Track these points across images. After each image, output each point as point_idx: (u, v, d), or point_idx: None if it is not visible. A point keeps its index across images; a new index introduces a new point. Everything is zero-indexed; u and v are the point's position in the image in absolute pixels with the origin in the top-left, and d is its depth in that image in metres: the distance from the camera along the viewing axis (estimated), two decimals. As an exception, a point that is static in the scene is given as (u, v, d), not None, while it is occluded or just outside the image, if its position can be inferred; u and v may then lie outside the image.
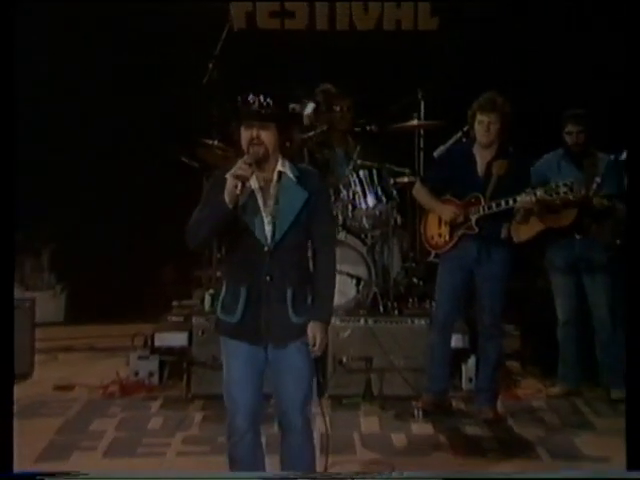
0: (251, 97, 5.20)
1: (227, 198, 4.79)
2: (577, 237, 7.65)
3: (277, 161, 4.97)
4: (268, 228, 4.92)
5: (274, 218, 4.93)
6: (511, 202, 7.04)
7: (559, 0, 10.05)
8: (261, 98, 5.11)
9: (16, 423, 7.02)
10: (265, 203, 4.94)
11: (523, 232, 7.60)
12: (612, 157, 7.60)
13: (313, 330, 4.98)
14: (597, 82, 9.61)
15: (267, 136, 4.89)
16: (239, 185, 4.78)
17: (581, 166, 7.59)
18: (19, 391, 7.61)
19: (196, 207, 5.01)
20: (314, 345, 4.99)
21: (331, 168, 8.38)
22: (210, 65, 8.47)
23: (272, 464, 5.19)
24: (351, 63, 9.92)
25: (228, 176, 4.79)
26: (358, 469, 6.27)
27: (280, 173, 4.97)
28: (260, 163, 4.88)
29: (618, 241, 7.20)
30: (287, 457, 5.11)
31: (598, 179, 7.37)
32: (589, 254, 7.69)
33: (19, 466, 6.12)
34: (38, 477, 4.81)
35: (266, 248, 4.92)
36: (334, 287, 5.21)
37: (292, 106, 8.36)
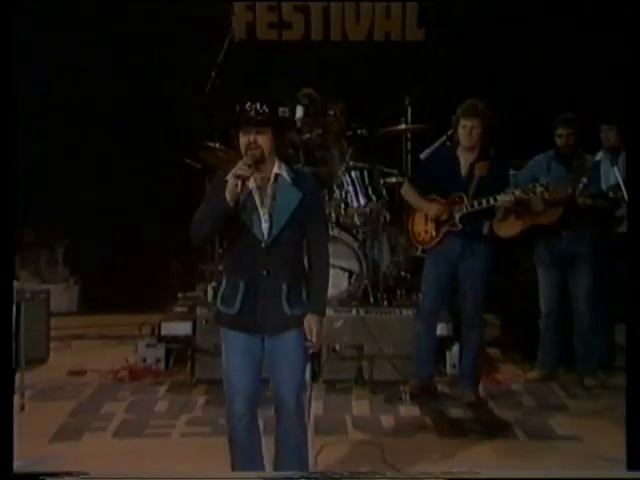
0: (248, 104, 5.23)
1: (228, 196, 4.79)
2: (563, 234, 7.63)
3: (274, 163, 4.98)
4: (265, 226, 4.93)
5: (271, 216, 4.94)
6: (492, 201, 7.05)
7: (541, 9, 10.00)
8: (257, 105, 5.14)
9: (32, 405, 7.18)
10: (262, 202, 4.95)
11: (511, 229, 7.64)
12: (599, 159, 7.58)
13: (309, 323, 4.99)
14: (582, 87, 9.60)
15: (263, 140, 4.90)
16: (239, 184, 4.79)
17: (570, 167, 7.57)
18: (36, 376, 7.74)
19: (199, 205, 5.01)
20: (311, 337, 4.97)
21: (328, 170, 8.36)
22: (213, 73, 8.47)
23: (268, 445, 5.17)
24: (344, 71, 9.95)
25: (229, 176, 4.80)
26: (349, 450, 6.26)
27: (277, 175, 4.97)
28: (258, 165, 4.88)
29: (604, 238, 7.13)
30: (281, 438, 5.11)
31: (585, 179, 7.33)
32: (573, 250, 7.67)
33: (35, 446, 6.29)
34: (39, 477, 4.64)
35: (263, 244, 4.92)
36: (328, 282, 5.22)
37: (281, 109, 8.40)
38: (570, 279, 7.73)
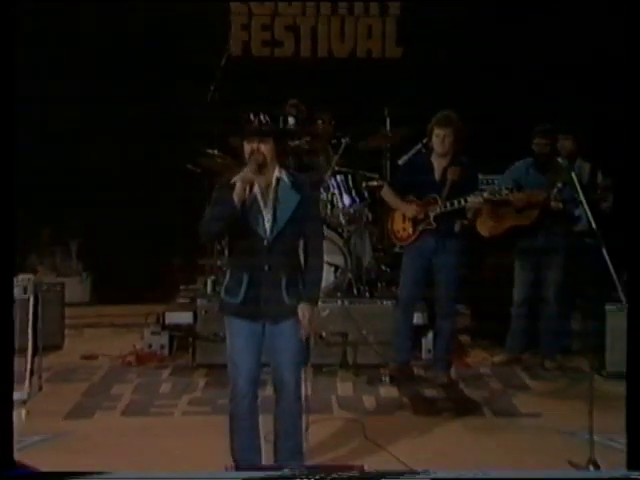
0: (252, 116, 5.30)
1: (236, 198, 4.83)
2: (541, 233, 7.62)
3: (274, 169, 5.01)
4: (267, 226, 4.96)
5: (273, 216, 4.97)
6: (463, 202, 7.07)
7: (512, 25, 10.04)
8: (260, 117, 5.21)
9: (49, 386, 7.21)
10: (265, 204, 4.98)
11: (494, 229, 7.71)
12: (588, 167, 7.57)
13: (303, 310, 5.02)
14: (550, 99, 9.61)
15: (266, 148, 4.94)
16: (247, 188, 4.85)
17: (546, 173, 7.55)
18: (52, 360, 7.76)
19: (199, 206, 5.10)
20: (304, 323, 5.01)
21: (317, 172, 8.37)
22: (212, 86, 8.47)
23: (265, 422, 5.21)
24: (330, 85, 9.93)
25: (237, 180, 4.83)
26: (334, 427, 6.29)
27: (278, 179, 5.01)
28: (260, 170, 4.92)
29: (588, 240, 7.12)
30: (281, 414, 5.13)
31: (560, 185, 7.31)
32: (547, 248, 7.66)
33: (51, 422, 6.37)
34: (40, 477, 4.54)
35: (265, 242, 4.96)
36: (321, 274, 5.28)
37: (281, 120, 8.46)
38: (543, 275, 7.72)
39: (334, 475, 4.17)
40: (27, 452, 5.53)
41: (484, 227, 7.77)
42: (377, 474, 4.25)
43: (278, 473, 4.18)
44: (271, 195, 5.00)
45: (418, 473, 4.41)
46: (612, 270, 6.56)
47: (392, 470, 4.34)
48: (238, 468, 4.42)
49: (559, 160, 7.51)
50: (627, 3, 9.09)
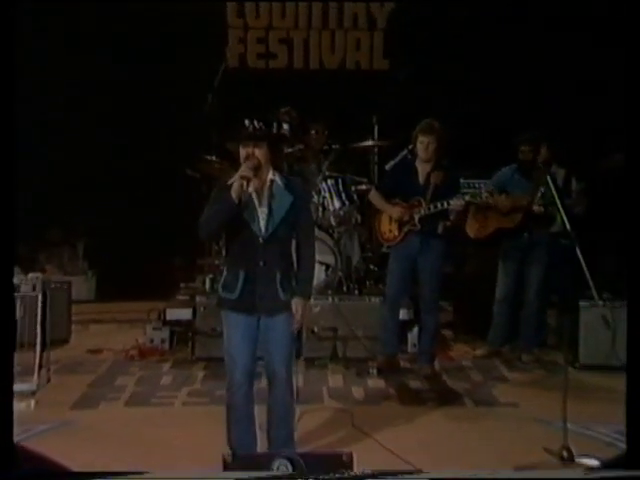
0: (247, 123, 5.30)
1: (234, 195, 4.85)
2: (525, 235, 7.61)
3: (269, 171, 5.04)
4: (262, 224, 4.99)
5: (267, 216, 4.99)
6: (446, 204, 7.09)
7: (489, 38, 10.05)
8: (255, 123, 5.22)
9: (57, 378, 7.19)
10: (260, 204, 5.00)
11: (481, 231, 7.73)
12: (562, 173, 7.58)
13: (296, 305, 5.06)
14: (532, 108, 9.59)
15: (260, 152, 4.97)
16: (244, 184, 4.87)
17: (530, 178, 7.53)
18: (59, 353, 7.73)
19: (199, 209, 5.07)
20: (296, 317, 5.04)
21: (306, 178, 8.38)
22: (209, 96, 8.45)
23: (260, 411, 5.22)
24: (321, 94, 9.91)
25: (235, 178, 4.86)
26: (325, 416, 6.29)
27: (272, 181, 5.04)
28: (256, 172, 4.94)
29: (563, 241, 7.12)
30: (274, 403, 5.16)
31: (542, 189, 7.29)
32: (530, 249, 7.66)
33: (58, 412, 6.37)
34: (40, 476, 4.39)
35: (261, 239, 4.99)
36: (314, 271, 5.33)
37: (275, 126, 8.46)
38: (525, 273, 7.72)
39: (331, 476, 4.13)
40: (36, 440, 5.54)
41: (471, 229, 7.79)
42: (371, 474, 4.19)
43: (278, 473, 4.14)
44: (266, 195, 5.03)
45: (411, 473, 4.31)
46: (585, 269, 6.58)
47: (389, 470, 4.21)
48: (235, 455, 4.41)
49: (540, 166, 7.54)
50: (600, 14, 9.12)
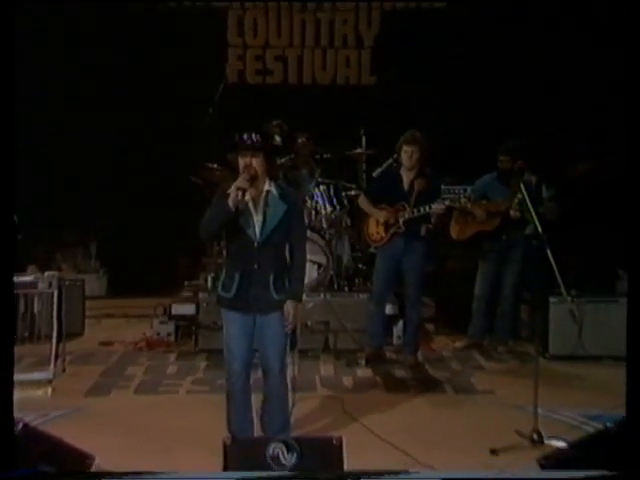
0: (245, 135, 5.31)
1: (231, 203, 4.86)
2: (504, 237, 7.61)
3: (265, 181, 5.04)
4: (257, 230, 5.00)
5: (262, 223, 5.01)
6: (428, 209, 7.08)
7: (468, 58, 10.07)
8: (252, 135, 5.21)
9: (71, 368, 7.17)
10: (256, 212, 5.01)
11: (463, 233, 7.73)
12: (534, 180, 7.60)
13: (288, 308, 5.06)
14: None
15: (257, 162, 4.97)
16: (240, 194, 4.87)
17: (508, 186, 7.50)
18: (74, 345, 7.72)
19: (201, 213, 5.07)
20: (289, 319, 5.05)
21: (299, 185, 8.39)
22: (211, 109, 8.46)
23: (257, 399, 5.25)
24: (313, 107, 9.93)
25: (232, 188, 4.87)
26: (317, 403, 6.31)
27: (267, 191, 5.04)
28: (253, 182, 4.95)
29: (534, 242, 7.13)
30: (268, 393, 5.18)
31: (520, 196, 7.17)
32: (507, 251, 7.66)
33: (73, 399, 6.38)
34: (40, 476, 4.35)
35: (256, 244, 5.00)
36: (304, 273, 5.33)
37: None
38: (502, 272, 7.71)
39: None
40: (52, 424, 5.56)
41: (454, 231, 7.78)
42: (361, 473, 4.17)
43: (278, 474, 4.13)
44: (261, 203, 5.03)
45: (406, 473, 4.31)
46: (555, 268, 6.61)
47: (384, 470, 4.25)
48: (234, 439, 4.45)
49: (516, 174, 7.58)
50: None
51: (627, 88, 4.68)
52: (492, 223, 7.59)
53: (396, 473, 4.18)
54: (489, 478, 4.34)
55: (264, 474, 4.07)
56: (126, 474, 4.32)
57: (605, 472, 4.17)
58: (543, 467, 4.61)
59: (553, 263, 6.63)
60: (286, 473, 4.06)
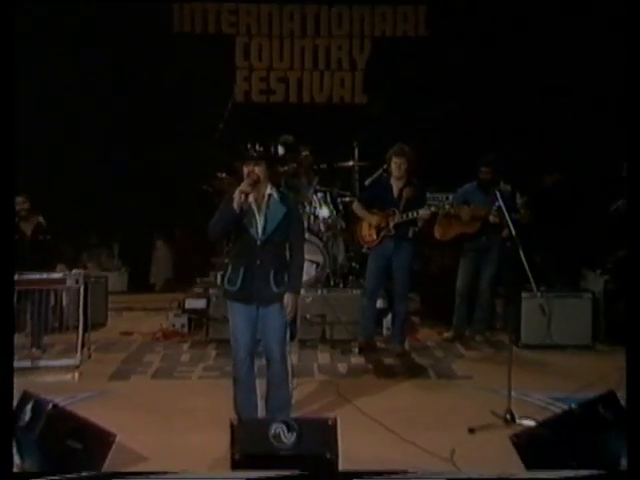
0: (249, 146, 5.31)
1: (235, 206, 4.87)
2: (483, 239, 7.59)
3: (267, 187, 5.04)
4: (259, 229, 5.00)
5: (264, 223, 5.01)
6: (415, 214, 7.07)
7: (451, 77, 10.06)
8: (256, 146, 5.21)
9: (96, 355, 7.19)
10: (259, 213, 5.02)
11: (445, 234, 7.69)
12: (508, 189, 7.60)
13: (287, 299, 5.05)
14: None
15: (259, 170, 4.98)
16: (243, 197, 4.89)
17: (487, 194, 7.46)
18: (98, 335, 7.77)
19: (212, 217, 5.09)
20: (288, 310, 5.04)
21: (299, 192, 8.37)
22: (221, 125, 8.49)
23: (261, 383, 5.25)
24: (312, 123, 9.92)
25: (236, 192, 4.88)
26: (315, 387, 6.28)
27: (269, 195, 5.05)
28: (255, 187, 4.96)
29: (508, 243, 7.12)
30: (271, 378, 5.16)
31: (497, 203, 7.07)
32: (485, 251, 7.65)
33: (98, 383, 6.40)
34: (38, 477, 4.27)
35: (258, 242, 5.00)
36: (303, 269, 5.29)
37: (272, 148, 8.48)
38: (481, 270, 7.70)
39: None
40: (79, 405, 5.55)
41: (438, 233, 7.74)
42: (358, 474, 4.08)
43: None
44: (263, 206, 5.03)
45: (405, 473, 4.21)
46: (526, 267, 6.63)
47: (381, 470, 4.21)
48: (240, 420, 4.45)
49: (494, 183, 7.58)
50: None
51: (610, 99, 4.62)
52: (474, 226, 7.57)
53: (393, 473, 4.13)
54: (489, 478, 4.26)
55: (272, 474, 4.03)
56: (127, 474, 4.31)
57: (595, 472, 4.11)
58: (515, 444, 4.61)
59: (525, 262, 6.64)
60: (288, 474, 4.01)
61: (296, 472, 3.98)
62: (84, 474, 4.20)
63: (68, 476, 4.11)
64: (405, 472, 4.17)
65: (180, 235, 10.22)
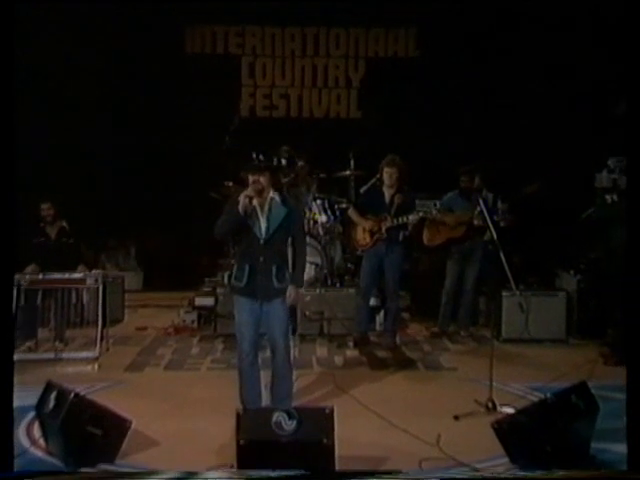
0: (254, 156, 5.31)
1: (240, 209, 4.91)
2: (466, 242, 7.55)
3: (269, 192, 5.07)
4: (263, 229, 5.03)
5: (266, 223, 5.03)
6: (405, 219, 7.08)
7: (438, 94, 10.01)
8: (260, 157, 5.22)
9: (113, 349, 7.18)
10: (262, 214, 5.04)
11: (435, 240, 7.66)
12: (489, 196, 7.53)
13: (290, 290, 5.08)
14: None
15: (263, 179, 5.02)
16: (247, 200, 4.93)
17: (469, 200, 7.47)
18: (115, 330, 7.77)
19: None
20: (290, 300, 5.08)
21: (299, 199, 8.35)
22: (227, 138, 8.44)
23: (265, 375, 5.25)
24: (311, 135, 9.82)
25: (241, 196, 4.92)
26: (314, 378, 6.27)
27: (271, 198, 5.08)
28: (260, 193, 4.99)
29: (490, 246, 7.10)
30: (276, 369, 5.16)
31: (479, 209, 7.10)
32: (469, 253, 7.62)
33: (115, 374, 6.39)
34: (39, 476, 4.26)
35: (261, 241, 5.03)
36: (305, 265, 5.33)
37: (275, 159, 8.50)
38: (465, 270, 7.66)
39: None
40: (98, 394, 5.55)
41: (427, 239, 7.72)
42: (356, 473, 4.07)
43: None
44: (266, 208, 5.06)
45: (404, 473, 4.21)
46: (506, 268, 6.64)
47: (381, 470, 4.24)
48: (245, 409, 4.46)
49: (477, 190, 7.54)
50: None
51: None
52: (459, 230, 7.54)
53: (391, 473, 4.13)
54: (489, 478, 4.23)
55: (273, 474, 4.00)
56: (129, 474, 4.29)
57: (596, 472, 4.14)
58: (496, 430, 4.63)
59: (505, 264, 6.66)
60: (289, 474, 3.98)
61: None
62: (85, 475, 4.23)
63: (66, 476, 4.16)
64: (398, 472, 4.14)
65: (190, 237, 10.19)
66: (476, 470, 4.38)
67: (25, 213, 7.52)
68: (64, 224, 7.39)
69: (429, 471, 4.38)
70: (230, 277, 5.29)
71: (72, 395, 4.53)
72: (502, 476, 4.26)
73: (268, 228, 5.03)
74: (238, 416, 4.19)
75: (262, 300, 5.07)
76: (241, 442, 4.11)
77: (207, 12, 10.21)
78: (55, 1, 9.09)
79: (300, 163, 8.51)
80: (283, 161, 8.49)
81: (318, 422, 4.14)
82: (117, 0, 9.58)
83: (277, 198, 5.09)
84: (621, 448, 4.60)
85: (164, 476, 4.10)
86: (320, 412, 4.24)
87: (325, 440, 4.10)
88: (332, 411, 4.20)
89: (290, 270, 5.16)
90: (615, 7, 8.66)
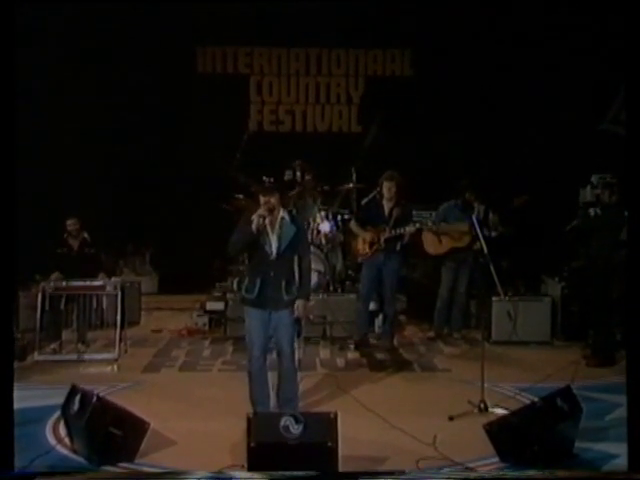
0: (265, 179, 5.33)
1: (254, 227, 4.94)
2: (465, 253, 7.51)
3: (280, 211, 5.10)
4: (274, 246, 5.06)
5: (277, 241, 5.07)
6: (402, 230, 7.12)
7: (435, 111, 9.97)
8: (270, 179, 5.24)
9: (131, 350, 7.18)
10: (272, 232, 5.07)
11: (439, 249, 7.61)
12: (481, 208, 7.52)
13: (298, 304, 5.13)
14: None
15: (274, 199, 5.04)
16: (261, 220, 4.96)
17: (465, 212, 7.44)
18: (132, 332, 7.78)
19: (230, 232, 5.14)
20: (298, 313, 5.13)
21: (305, 210, 8.35)
22: (237, 154, 8.49)
23: (271, 376, 5.26)
24: (315, 149, 9.81)
25: (254, 216, 4.94)
26: (317, 379, 6.26)
27: (282, 217, 5.11)
28: (271, 212, 5.02)
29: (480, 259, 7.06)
30: (281, 372, 5.18)
31: (473, 226, 6.95)
32: (462, 261, 7.58)
33: (133, 375, 6.39)
34: (38, 476, 4.19)
35: (272, 257, 5.06)
36: (310, 279, 5.37)
37: (286, 175, 8.51)
38: (458, 277, 7.63)
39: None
40: (117, 395, 5.57)
41: (432, 250, 7.66)
42: (358, 474, 4.05)
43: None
44: (277, 227, 5.08)
45: (403, 474, 4.19)
46: (495, 276, 6.68)
47: (382, 471, 4.21)
48: (255, 414, 4.47)
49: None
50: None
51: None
52: (464, 241, 7.47)
53: (393, 473, 4.11)
54: (489, 478, 4.20)
55: (279, 475, 3.99)
56: (125, 475, 4.28)
57: (596, 472, 4.09)
58: (487, 431, 4.66)
59: (493, 272, 6.68)
60: (290, 474, 3.98)
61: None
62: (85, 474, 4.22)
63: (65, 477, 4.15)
64: (402, 472, 4.11)
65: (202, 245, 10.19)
66: (471, 470, 4.38)
67: (50, 226, 7.63)
68: (86, 235, 7.43)
69: (429, 471, 4.37)
70: (240, 285, 5.32)
71: (95, 398, 4.56)
72: (503, 476, 4.23)
73: (279, 246, 5.07)
74: (249, 420, 4.22)
75: (271, 310, 5.11)
76: (251, 444, 4.14)
77: (218, 34, 10.26)
78: (68, 23, 9.19)
79: (306, 177, 8.49)
80: (298, 174, 8.46)
81: (323, 426, 4.17)
82: (132, 21, 9.61)
83: (287, 217, 5.13)
84: (602, 447, 4.66)
85: (193, 476, 4.13)
86: (325, 417, 4.26)
87: (329, 443, 4.13)
88: (336, 416, 4.22)
89: (297, 283, 5.19)
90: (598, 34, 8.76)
